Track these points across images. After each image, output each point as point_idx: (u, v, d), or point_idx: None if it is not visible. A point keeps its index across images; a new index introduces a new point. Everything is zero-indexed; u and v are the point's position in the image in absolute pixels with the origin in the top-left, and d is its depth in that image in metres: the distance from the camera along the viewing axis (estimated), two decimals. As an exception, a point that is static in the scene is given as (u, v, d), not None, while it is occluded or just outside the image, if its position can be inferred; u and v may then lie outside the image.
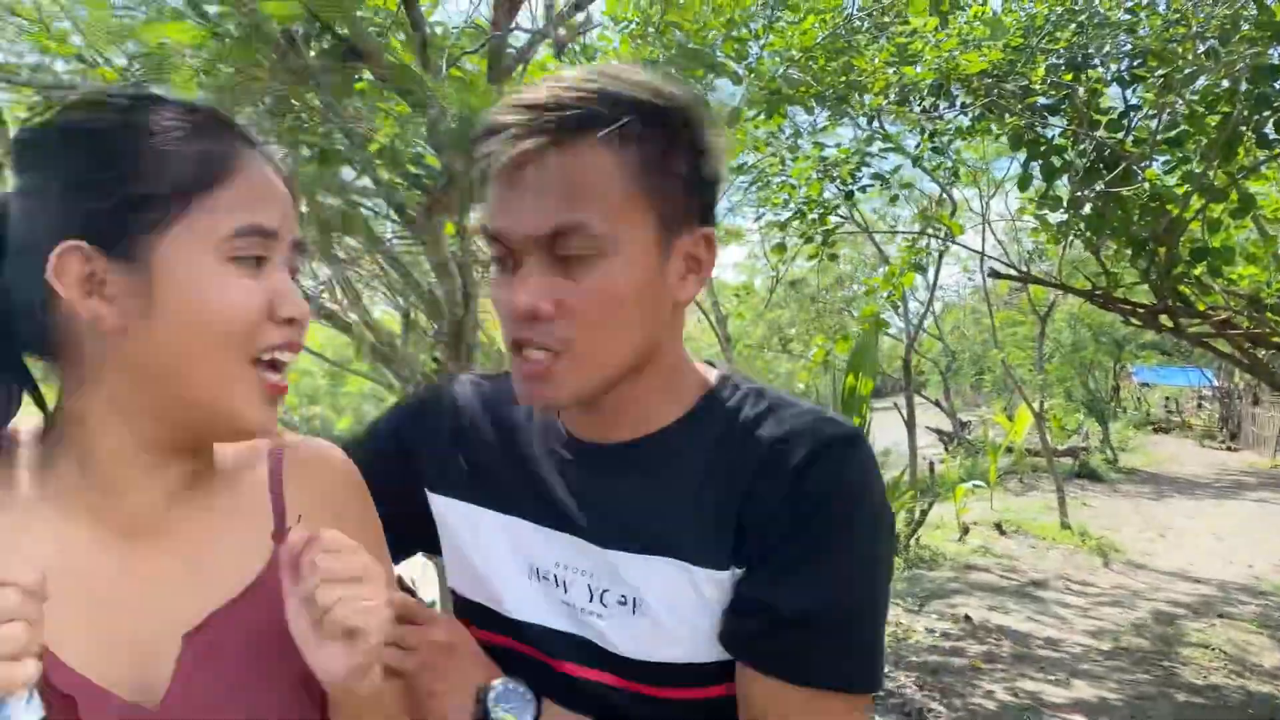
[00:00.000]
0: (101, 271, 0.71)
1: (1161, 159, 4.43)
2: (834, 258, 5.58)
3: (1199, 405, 30.71)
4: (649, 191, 0.83)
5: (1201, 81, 4.01)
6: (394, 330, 4.31)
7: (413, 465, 1.04)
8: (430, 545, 1.05)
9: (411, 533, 1.02)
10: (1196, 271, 4.77)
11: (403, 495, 1.01)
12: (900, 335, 14.50)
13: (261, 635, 0.76)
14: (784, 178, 5.53)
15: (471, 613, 1.01)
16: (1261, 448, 20.48)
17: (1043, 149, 4.38)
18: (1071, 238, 4.99)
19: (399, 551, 1.00)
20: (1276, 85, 3.70)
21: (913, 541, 8.00)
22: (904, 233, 7.84)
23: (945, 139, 5.16)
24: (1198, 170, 4.07)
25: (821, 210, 5.40)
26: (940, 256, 11.79)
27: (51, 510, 0.75)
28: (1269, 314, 5.38)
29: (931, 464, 14.54)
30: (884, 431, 13.10)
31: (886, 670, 4.70)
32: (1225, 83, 3.86)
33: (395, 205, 3.56)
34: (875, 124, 5.05)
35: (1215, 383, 26.74)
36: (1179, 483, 15.04)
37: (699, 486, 0.90)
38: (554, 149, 0.81)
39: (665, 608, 0.89)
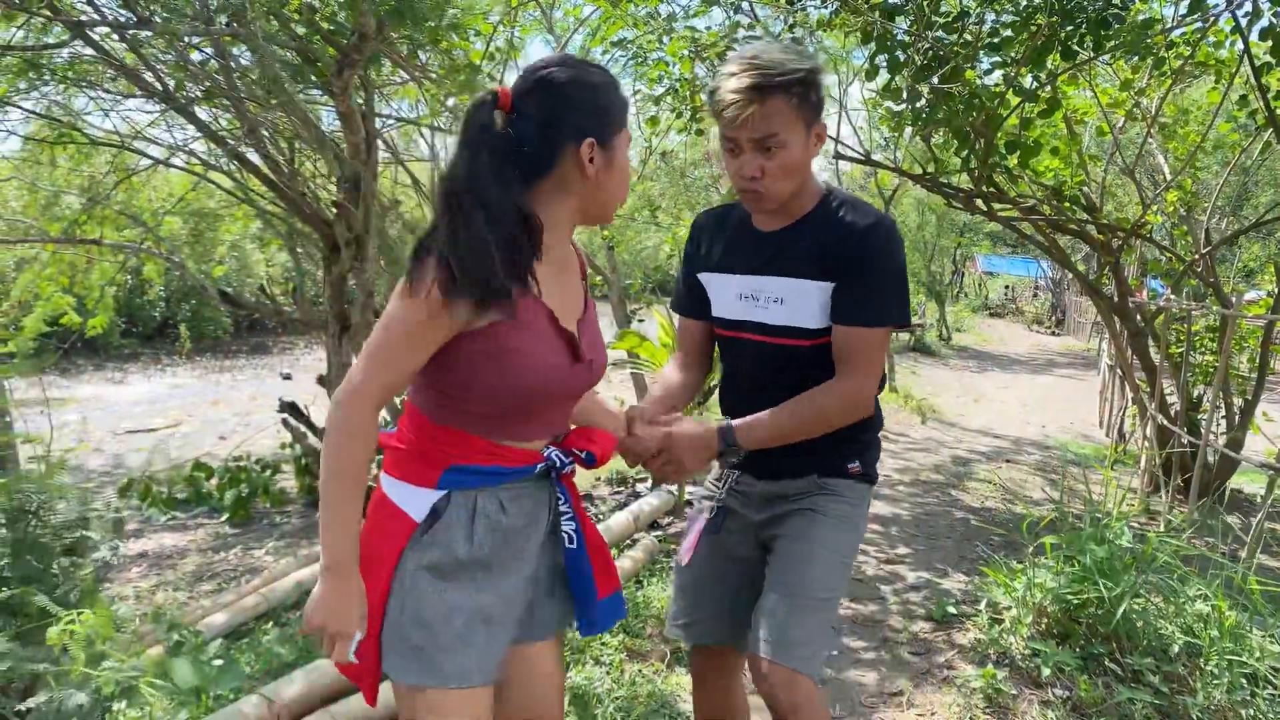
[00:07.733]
0: (595, 152, 1.52)
1: (989, 61, 4.95)
2: (701, 133, 6.05)
3: (1035, 294, 32.92)
4: (801, 113, 1.73)
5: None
6: (302, 175, 4.62)
7: (695, 259, 2.04)
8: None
9: (701, 298, 2.01)
10: (1010, 162, 5.33)
11: (694, 278, 2.03)
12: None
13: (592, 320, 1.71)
14: (660, 55, 5.94)
15: (719, 322, 1.98)
16: (1080, 333, 22.34)
17: (889, 45, 4.72)
18: (908, 126, 5.54)
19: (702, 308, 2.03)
20: (1084, 4, 4.30)
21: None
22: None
23: (806, 30, 5.60)
24: (1014, 74, 4.63)
25: (693, 89, 5.84)
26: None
27: (547, 253, 1.54)
28: (1065, 205, 6.16)
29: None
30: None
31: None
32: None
33: (309, 60, 3.85)
34: (739, 13, 5.49)
35: (1049, 274, 28.78)
36: (1001, 360, 16.39)
37: (815, 244, 1.82)
38: (759, 103, 1.70)
39: (793, 300, 1.83)
